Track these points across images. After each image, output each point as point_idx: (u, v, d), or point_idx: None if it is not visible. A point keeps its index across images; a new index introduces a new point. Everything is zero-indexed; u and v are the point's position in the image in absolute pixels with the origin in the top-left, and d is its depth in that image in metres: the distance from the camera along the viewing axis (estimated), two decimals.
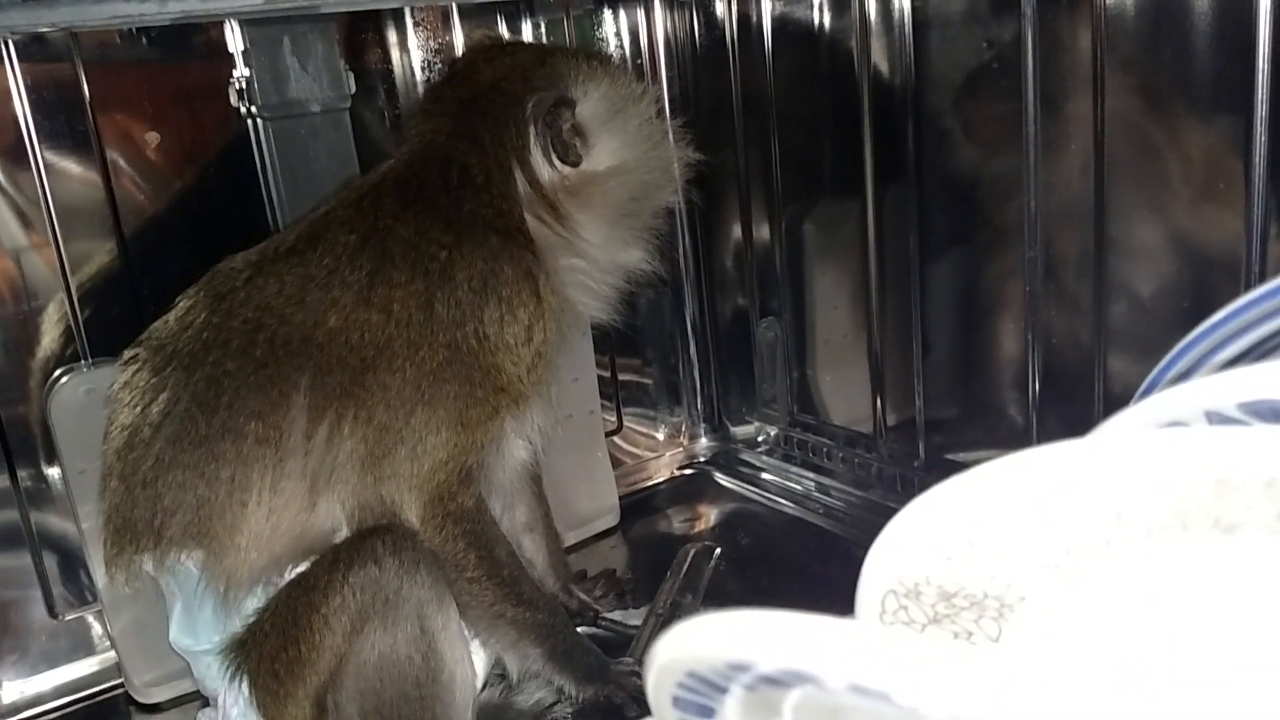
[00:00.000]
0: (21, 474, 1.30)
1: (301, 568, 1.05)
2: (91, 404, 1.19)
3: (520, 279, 1.07)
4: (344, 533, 1.05)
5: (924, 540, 0.48)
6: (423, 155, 1.13)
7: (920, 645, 0.31)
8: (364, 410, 1.03)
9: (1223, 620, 0.40)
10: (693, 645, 0.38)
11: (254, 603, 1.06)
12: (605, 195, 1.15)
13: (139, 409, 1.06)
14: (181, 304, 1.10)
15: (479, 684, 1.15)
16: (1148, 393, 0.60)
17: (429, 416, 1.04)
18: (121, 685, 1.31)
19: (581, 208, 1.14)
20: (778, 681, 0.36)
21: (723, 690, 0.40)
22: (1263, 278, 1.09)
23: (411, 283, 1.04)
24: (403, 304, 1.04)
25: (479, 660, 1.14)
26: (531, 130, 1.11)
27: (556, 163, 1.12)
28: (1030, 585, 0.47)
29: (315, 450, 1.03)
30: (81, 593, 1.34)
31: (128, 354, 1.10)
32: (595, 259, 1.16)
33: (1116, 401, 0.58)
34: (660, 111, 1.20)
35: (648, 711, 0.56)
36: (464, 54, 1.30)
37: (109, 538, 1.08)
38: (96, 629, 1.36)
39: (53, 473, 1.30)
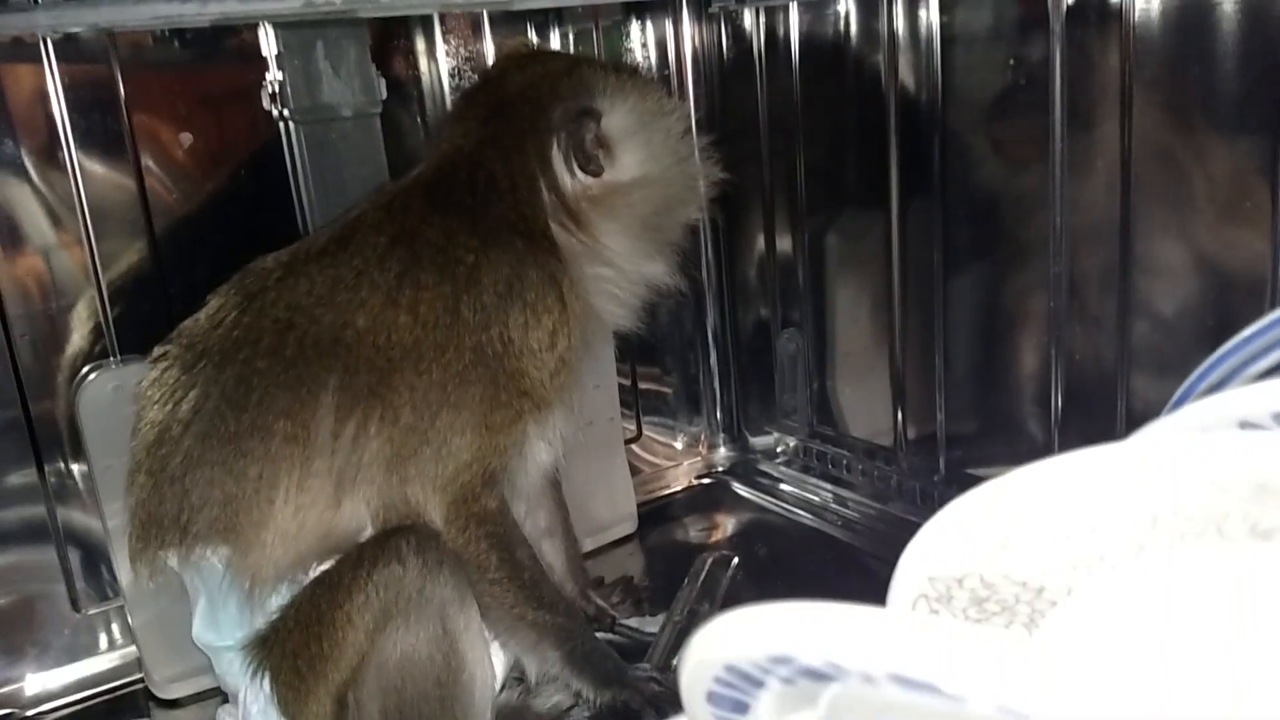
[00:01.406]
0: (48, 469, 1.31)
1: (326, 566, 1.05)
2: (119, 401, 1.20)
3: (545, 284, 1.08)
4: (369, 532, 1.06)
5: (957, 544, 0.48)
6: (451, 160, 1.14)
7: (966, 634, 0.32)
8: (390, 411, 1.04)
9: (1257, 626, 0.40)
10: (734, 638, 0.39)
11: (278, 600, 1.07)
12: (630, 207, 1.15)
13: (169, 406, 1.07)
14: (213, 302, 1.11)
15: (498, 685, 1.15)
16: (1180, 404, 0.60)
17: (454, 419, 1.05)
18: (141, 680, 1.32)
19: (605, 217, 1.14)
20: (818, 674, 0.37)
21: (760, 684, 0.41)
22: None
23: (439, 285, 1.05)
24: (429, 306, 1.05)
25: (498, 662, 1.15)
26: (555, 139, 1.12)
27: (578, 172, 1.12)
28: (1063, 590, 0.47)
29: (341, 450, 1.04)
30: (104, 588, 1.35)
31: (158, 351, 1.11)
32: (621, 268, 1.17)
33: (1138, 419, 0.58)
34: (688, 129, 1.21)
35: (665, 717, 0.57)
36: (496, 61, 1.31)
37: (135, 532, 1.09)
38: (118, 624, 1.37)
39: (79, 469, 1.31)
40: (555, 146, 1.12)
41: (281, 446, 1.03)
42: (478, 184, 1.11)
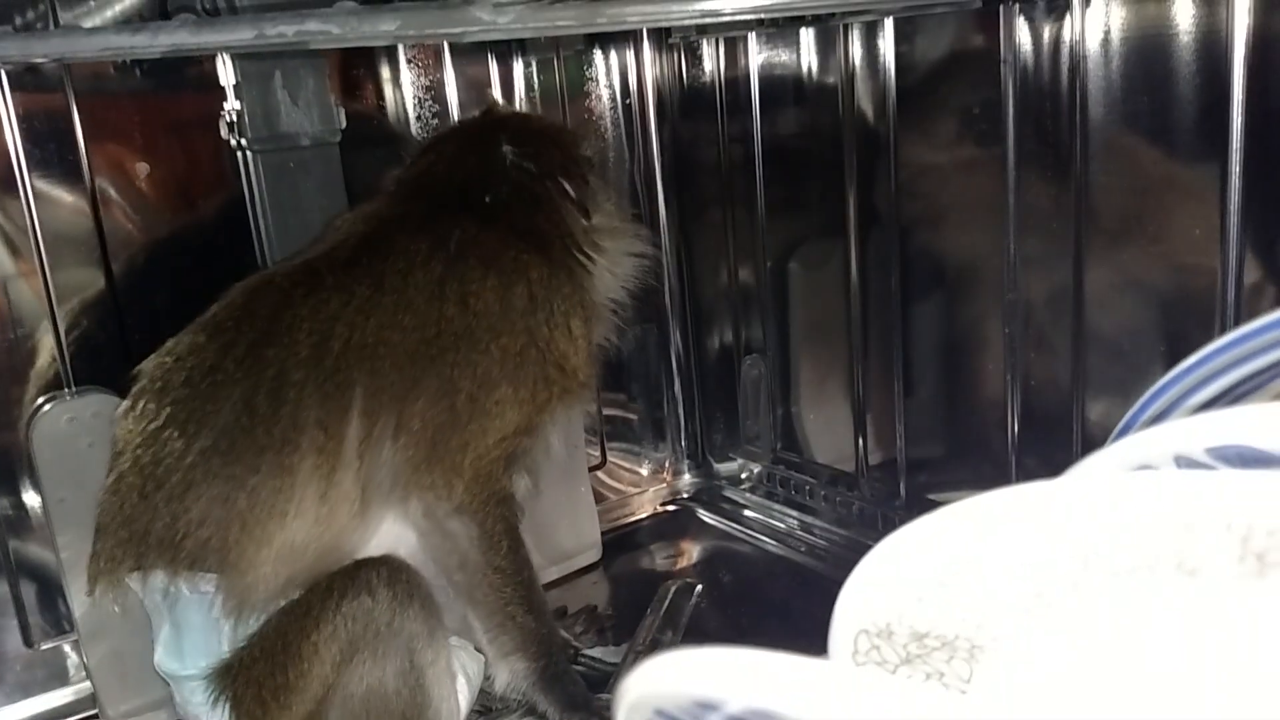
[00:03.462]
0: (1, 501, 1.29)
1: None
2: (74, 432, 1.19)
3: (574, 288, 1.18)
4: (371, 546, 1.08)
5: (896, 579, 0.48)
6: (486, 180, 1.21)
7: (886, 686, 0.32)
8: (444, 391, 1.07)
9: (1187, 663, 0.41)
10: (660, 682, 0.38)
11: (248, 629, 1.05)
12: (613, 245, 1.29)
13: (165, 424, 1.03)
14: (215, 316, 1.09)
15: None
16: (1123, 434, 0.60)
17: (509, 392, 1.10)
18: (96, 716, 1.29)
19: (601, 252, 1.25)
20: None
21: None
22: (1237, 324, 1.10)
23: (485, 278, 1.11)
24: (478, 298, 1.10)
25: (463, 698, 1.14)
26: (582, 174, 1.25)
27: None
28: (1001, 627, 0.47)
29: (370, 452, 1.04)
30: (59, 622, 1.33)
31: (151, 363, 1.08)
32: (611, 297, 1.28)
33: (1094, 443, 0.59)
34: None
35: None
36: (488, 109, 1.39)
37: (104, 552, 1.05)
38: (73, 659, 1.34)
39: (32, 501, 1.29)
40: (580, 182, 1.24)
41: (307, 457, 1.02)
42: (524, 200, 1.20)
